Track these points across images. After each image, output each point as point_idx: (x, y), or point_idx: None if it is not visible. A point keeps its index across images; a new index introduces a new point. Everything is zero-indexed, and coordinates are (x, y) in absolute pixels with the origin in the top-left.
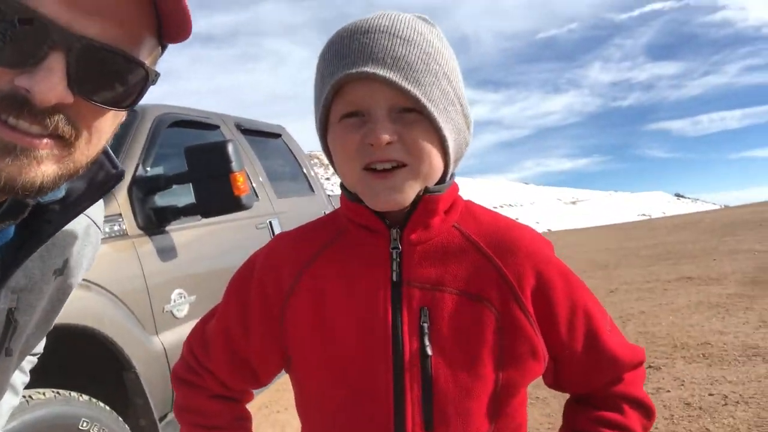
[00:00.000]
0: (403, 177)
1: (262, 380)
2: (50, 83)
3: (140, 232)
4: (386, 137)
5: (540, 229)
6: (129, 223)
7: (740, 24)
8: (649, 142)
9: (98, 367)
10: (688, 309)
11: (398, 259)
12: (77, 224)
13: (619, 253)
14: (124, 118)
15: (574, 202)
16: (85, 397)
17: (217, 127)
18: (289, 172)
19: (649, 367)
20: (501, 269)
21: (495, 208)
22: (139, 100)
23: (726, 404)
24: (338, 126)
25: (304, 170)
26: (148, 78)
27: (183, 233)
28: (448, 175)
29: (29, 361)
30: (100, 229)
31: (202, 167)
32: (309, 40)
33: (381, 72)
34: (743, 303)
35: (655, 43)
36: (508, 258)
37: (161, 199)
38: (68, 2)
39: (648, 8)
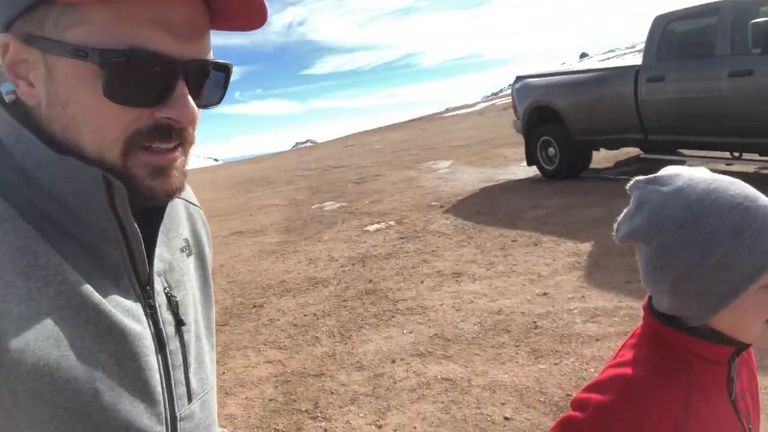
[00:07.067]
0: None
1: None
2: (189, 107)
3: None
4: None
5: None
6: None
7: None
8: None
9: None
10: (254, 257)
11: (733, 384)
12: (178, 208)
13: None
14: None
15: None
16: None
17: None
18: None
19: (254, 306)
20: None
21: None
22: (225, 94)
23: (317, 317)
24: (760, 293)
25: None
26: (230, 74)
27: None
28: None
29: None
30: (198, 206)
31: None
32: None
33: None
34: (290, 247)
35: None
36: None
37: None
38: (174, 37)
39: None
